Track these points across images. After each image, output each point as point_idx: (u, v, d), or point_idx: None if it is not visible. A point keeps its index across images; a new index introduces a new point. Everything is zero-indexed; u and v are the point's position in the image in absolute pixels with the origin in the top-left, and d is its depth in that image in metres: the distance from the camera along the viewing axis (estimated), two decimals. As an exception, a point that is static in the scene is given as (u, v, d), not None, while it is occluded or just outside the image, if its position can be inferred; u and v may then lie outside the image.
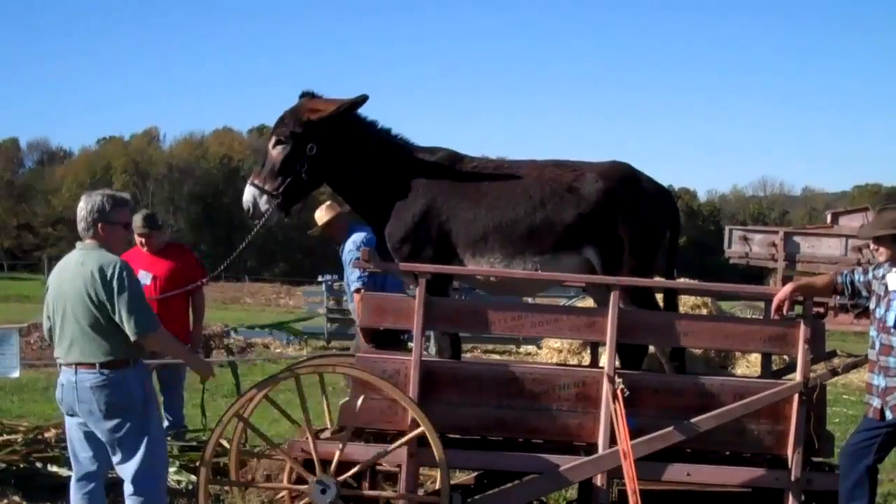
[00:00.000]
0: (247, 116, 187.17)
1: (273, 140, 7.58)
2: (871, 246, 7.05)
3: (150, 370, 6.65)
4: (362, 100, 7.57)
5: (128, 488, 6.17)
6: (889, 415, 6.80)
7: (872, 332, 6.95)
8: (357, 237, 9.35)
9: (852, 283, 7.15)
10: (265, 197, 7.48)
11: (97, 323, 6.06)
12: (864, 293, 7.11)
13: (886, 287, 6.84)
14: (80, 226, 6.28)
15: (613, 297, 7.03)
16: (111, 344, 6.08)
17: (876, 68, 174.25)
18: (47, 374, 15.04)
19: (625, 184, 7.69)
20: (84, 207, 6.26)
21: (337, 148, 7.56)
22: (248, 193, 7.54)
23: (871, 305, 7.00)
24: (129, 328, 6.02)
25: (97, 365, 6.09)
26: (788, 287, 7.19)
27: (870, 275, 7.07)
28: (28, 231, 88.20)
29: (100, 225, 6.25)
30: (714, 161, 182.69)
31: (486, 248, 7.55)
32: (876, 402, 6.89)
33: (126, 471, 6.17)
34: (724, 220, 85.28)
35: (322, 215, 9.56)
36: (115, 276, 6.04)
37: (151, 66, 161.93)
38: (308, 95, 7.69)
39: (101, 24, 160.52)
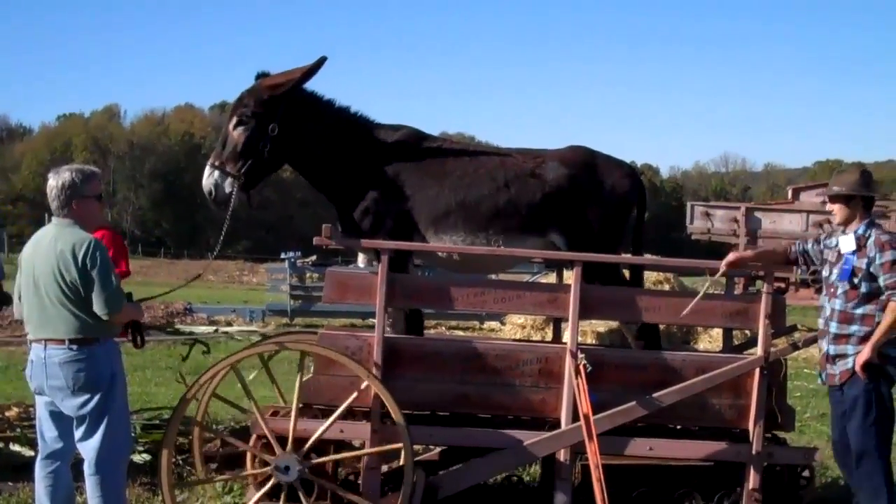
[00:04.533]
0: (208, 93, 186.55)
1: (234, 121, 7.52)
2: (827, 206, 7.08)
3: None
4: (321, 62, 7.51)
5: (88, 467, 6.14)
6: (824, 378, 6.92)
7: (824, 300, 6.99)
8: None
9: (805, 251, 7.20)
10: (228, 179, 7.44)
11: (68, 300, 6.02)
12: (817, 262, 7.16)
13: (839, 252, 6.88)
14: (54, 204, 6.19)
15: (576, 272, 7.05)
16: (81, 321, 6.05)
17: (838, 45, 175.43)
18: (7, 354, 14.94)
19: (587, 168, 7.74)
20: (55, 185, 6.17)
21: (298, 127, 7.52)
22: (209, 176, 7.48)
23: (824, 273, 7.04)
24: (98, 306, 6.00)
25: (66, 341, 6.05)
26: (746, 252, 7.26)
27: (822, 244, 7.12)
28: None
29: (74, 201, 6.18)
30: (676, 137, 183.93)
31: (449, 225, 7.56)
32: (818, 367, 6.99)
33: (87, 448, 6.14)
34: (687, 196, 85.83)
35: None
36: (88, 255, 5.99)
37: (112, 41, 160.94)
38: (263, 75, 7.64)
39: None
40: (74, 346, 6.04)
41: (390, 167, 7.60)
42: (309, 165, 7.78)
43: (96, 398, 6.07)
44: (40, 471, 6.26)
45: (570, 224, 7.57)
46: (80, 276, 5.98)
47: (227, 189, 7.44)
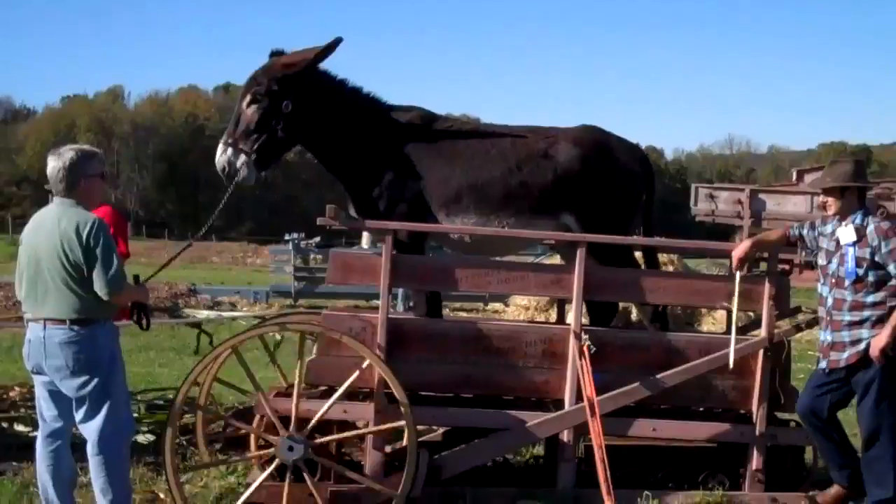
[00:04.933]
0: (212, 74, 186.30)
1: (247, 98, 7.48)
2: (821, 198, 7.07)
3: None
4: (336, 43, 7.48)
5: (91, 448, 6.14)
6: (824, 364, 6.89)
7: (823, 289, 6.97)
8: None
9: (802, 236, 7.19)
10: (242, 156, 7.42)
11: (71, 280, 6.00)
12: (812, 247, 7.15)
13: (838, 242, 6.87)
14: (60, 186, 6.15)
15: (580, 253, 7.04)
16: (83, 301, 6.03)
17: (843, 27, 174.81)
18: (12, 334, 14.97)
19: (599, 149, 7.72)
20: (60, 166, 6.14)
21: (311, 105, 7.50)
22: (223, 153, 7.45)
23: (821, 262, 7.02)
24: (99, 286, 5.99)
25: (68, 321, 6.03)
26: (745, 243, 7.21)
27: (816, 231, 7.10)
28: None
29: (81, 180, 6.18)
30: (681, 119, 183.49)
31: (461, 207, 7.54)
32: (820, 356, 6.98)
33: (89, 429, 6.13)
34: (691, 178, 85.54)
35: None
36: (92, 235, 5.97)
37: (116, 22, 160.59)
38: (278, 53, 7.61)
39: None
40: (76, 327, 6.02)
41: (402, 149, 7.58)
42: (321, 145, 7.74)
43: (96, 379, 6.06)
44: (42, 450, 6.26)
45: (582, 206, 7.56)
46: (84, 255, 5.96)
47: (240, 166, 7.42)
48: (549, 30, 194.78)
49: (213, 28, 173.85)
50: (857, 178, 6.86)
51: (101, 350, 6.09)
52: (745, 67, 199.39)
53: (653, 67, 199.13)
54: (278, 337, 8.36)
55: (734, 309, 7.09)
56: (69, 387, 6.09)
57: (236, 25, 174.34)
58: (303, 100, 7.46)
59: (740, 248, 7.16)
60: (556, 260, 9.49)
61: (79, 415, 6.15)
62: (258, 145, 7.40)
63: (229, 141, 7.46)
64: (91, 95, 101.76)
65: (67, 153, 6.19)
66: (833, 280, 6.85)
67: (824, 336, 6.91)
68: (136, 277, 6.39)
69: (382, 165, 7.56)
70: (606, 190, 7.62)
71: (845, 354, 6.76)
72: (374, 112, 7.75)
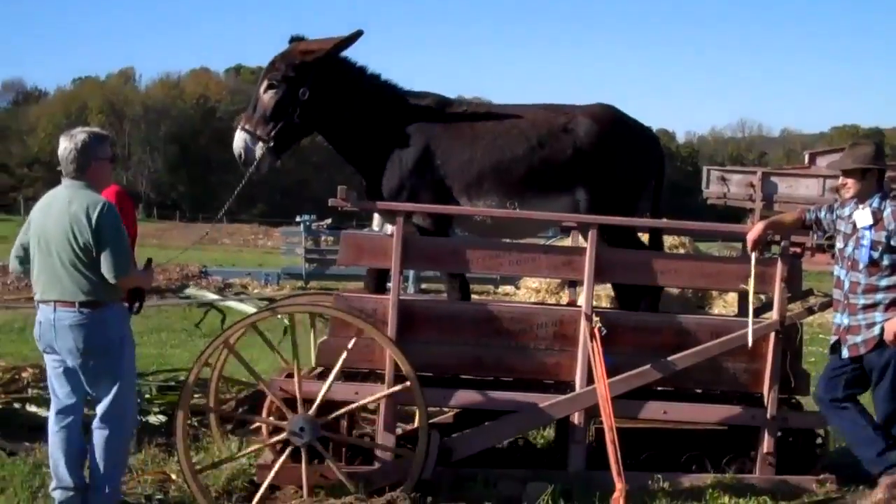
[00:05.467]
0: (224, 56, 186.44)
1: (265, 84, 7.49)
2: (840, 180, 7.04)
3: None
4: (357, 35, 7.50)
5: (96, 422, 6.24)
6: (846, 352, 6.85)
7: (840, 272, 6.95)
8: None
9: (818, 220, 7.17)
10: (259, 143, 7.42)
11: (80, 263, 6.03)
12: (829, 231, 7.13)
13: (854, 225, 6.84)
14: (71, 167, 6.18)
15: (591, 235, 7.03)
16: (92, 284, 6.06)
17: (856, 10, 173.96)
18: (24, 315, 14.99)
19: (616, 127, 7.72)
20: (72, 147, 6.18)
21: (328, 93, 7.50)
22: (240, 139, 7.48)
23: (838, 245, 7.00)
24: (106, 268, 6.01)
25: (77, 304, 6.07)
26: (760, 225, 7.20)
27: (834, 214, 7.08)
28: (4, 172, 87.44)
29: (93, 162, 6.22)
30: (693, 103, 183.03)
31: (483, 190, 7.53)
32: (833, 339, 6.95)
33: (98, 407, 6.24)
34: (703, 161, 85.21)
35: None
36: (102, 217, 6.01)
37: (127, 4, 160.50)
38: (297, 39, 7.62)
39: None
40: (85, 310, 6.06)
41: (421, 136, 7.57)
42: (339, 132, 7.75)
43: (106, 361, 6.14)
44: (54, 426, 6.30)
45: (595, 182, 7.53)
46: (94, 238, 5.99)
47: (257, 152, 7.43)
48: (559, 12, 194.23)
49: (225, 10, 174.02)
50: (877, 160, 6.85)
51: (110, 332, 6.15)
52: (756, 50, 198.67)
53: (664, 50, 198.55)
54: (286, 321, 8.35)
55: (750, 290, 7.06)
56: (80, 367, 6.16)
57: (248, 7, 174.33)
58: (321, 87, 7.46)
59: (755, 229, 7.14)
60: (568, 242, 9.45)
61: (91, 392, 6.22)
62: (275, 132, 7.42)
63: (246, 127, 7.47)
64: (102, 77, 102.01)
65: (80, 135, 6.24)
66: (849, 263, 6.83)
67: (840, 319, 6.88)
68: (149, 261, 6.44)
69: (401, 153, 7.55)
70: (620, 167, 7.60)
71: (861, 338, 6.73)
72: (393, 99, 7.75)
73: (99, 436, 6.22)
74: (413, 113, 7.68)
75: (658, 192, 7.97)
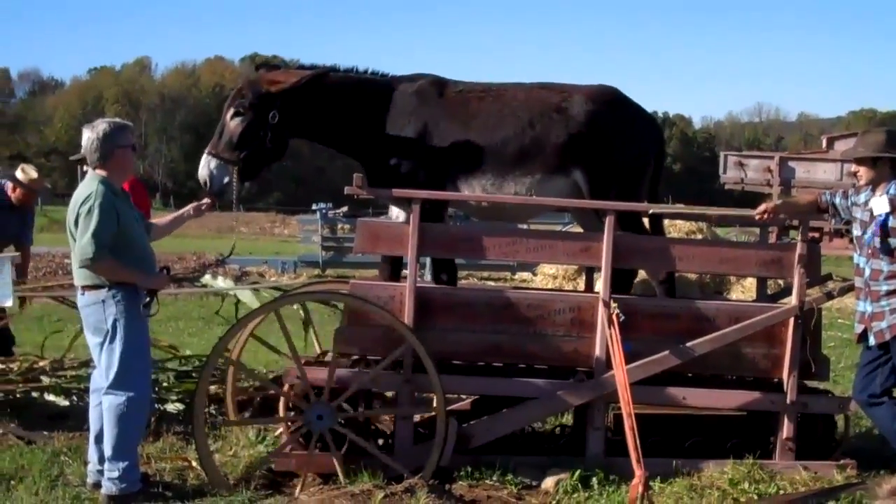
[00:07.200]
0: (239, 45, 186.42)
1: (231, 112, 7.48)
2: (853, 168, 7.00)
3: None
4: (324, 72, 7.54)
5: (102, 402, 6.44)
6: (872, 339, 6.80)
7: (860, 260, 6.90)
8: None
9: (834, 204, 7.12)
10: (225, 169, 7.42)
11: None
12: (845, 216, 7.09)
13: (871, 213, 6.79)
14: (94, 156, 6.40)
15: (609, 221, 6.99)
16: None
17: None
18: (41, 305, 15.01)
19: (613, 107, 7.68)
20: (94, 137, 6.40)
21: (300, 111, 7.50)
22: (205, 165, 7.47)
23: (856, 232, 6.95)
24: (76, 253, 6.28)
25: (81, 287, 6.40)
26: (772, 204, 7.22)
27: (849, 200, 7.03)
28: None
29: (116, 150, 6.41)
30: (709, 88, 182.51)
31: (479, 171, 7.51)
32: (858, 328, 6.90)
33: (105, 379, 6.43)
34: (720, 146, 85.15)
35: None
36: (86, 204, 6.23)
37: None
38: (265, 67, 7.74)
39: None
40: (87, 293, 6.40)
41: (416, 118, 7.56)
42: (325, 138, 7.83)
43: (104, 339, 6.37)
44: (92, 399, 6.64)
45: (592, 163, 7.51)
46: (75, 223, 6.29)
47: (224, 178, 7.44)
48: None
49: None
50: (889, 148, 6.79)
51: (105, 314, 6.36)
52: (773, 35, 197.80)
53: (681, 35, 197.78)
54: (302, 312, 8.33)
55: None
56: (92, 346, 6.52)
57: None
58: (290, 107, 7.46)
59: (768, 205, 7.16)
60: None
61: (100, 367, 6.50)
62: (245, 155, 7.43)
63: (213, 152, 7.48)
64: (118, 67, 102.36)
65: (101, 125, 6.50)
66: (869, 250, 6.77)
67: (864, 307, 6.84)
68: (166, 269, 6.72)
69: (393, 141, 7.56)
70: (617, 149, 7.57)
71: (886, 324, 6.69)
72: (376, 89, 7.73)
73: (105, 418, 6.41)
74: (405, 97, 7.67)
75: (657, 174, 7.93)
